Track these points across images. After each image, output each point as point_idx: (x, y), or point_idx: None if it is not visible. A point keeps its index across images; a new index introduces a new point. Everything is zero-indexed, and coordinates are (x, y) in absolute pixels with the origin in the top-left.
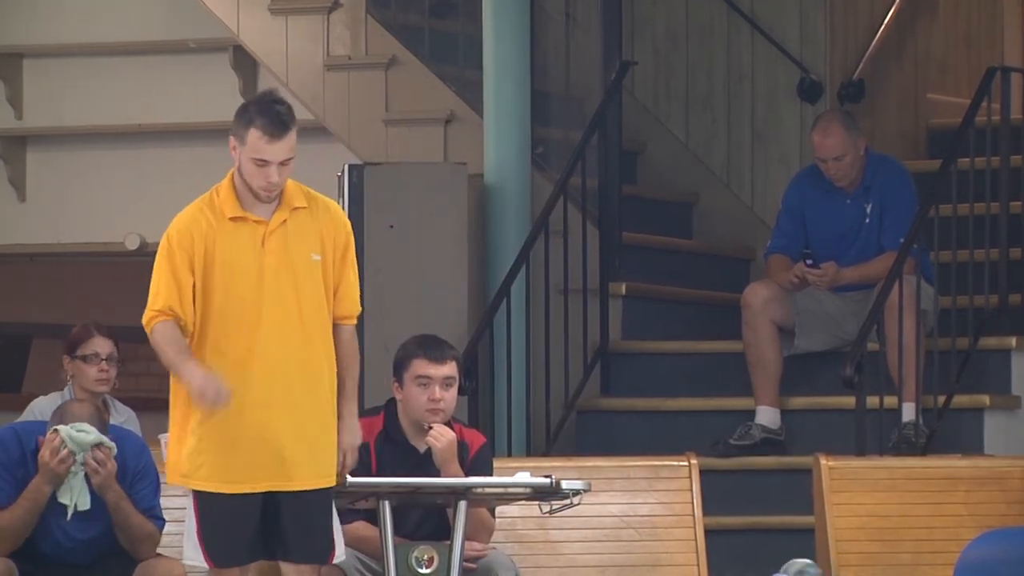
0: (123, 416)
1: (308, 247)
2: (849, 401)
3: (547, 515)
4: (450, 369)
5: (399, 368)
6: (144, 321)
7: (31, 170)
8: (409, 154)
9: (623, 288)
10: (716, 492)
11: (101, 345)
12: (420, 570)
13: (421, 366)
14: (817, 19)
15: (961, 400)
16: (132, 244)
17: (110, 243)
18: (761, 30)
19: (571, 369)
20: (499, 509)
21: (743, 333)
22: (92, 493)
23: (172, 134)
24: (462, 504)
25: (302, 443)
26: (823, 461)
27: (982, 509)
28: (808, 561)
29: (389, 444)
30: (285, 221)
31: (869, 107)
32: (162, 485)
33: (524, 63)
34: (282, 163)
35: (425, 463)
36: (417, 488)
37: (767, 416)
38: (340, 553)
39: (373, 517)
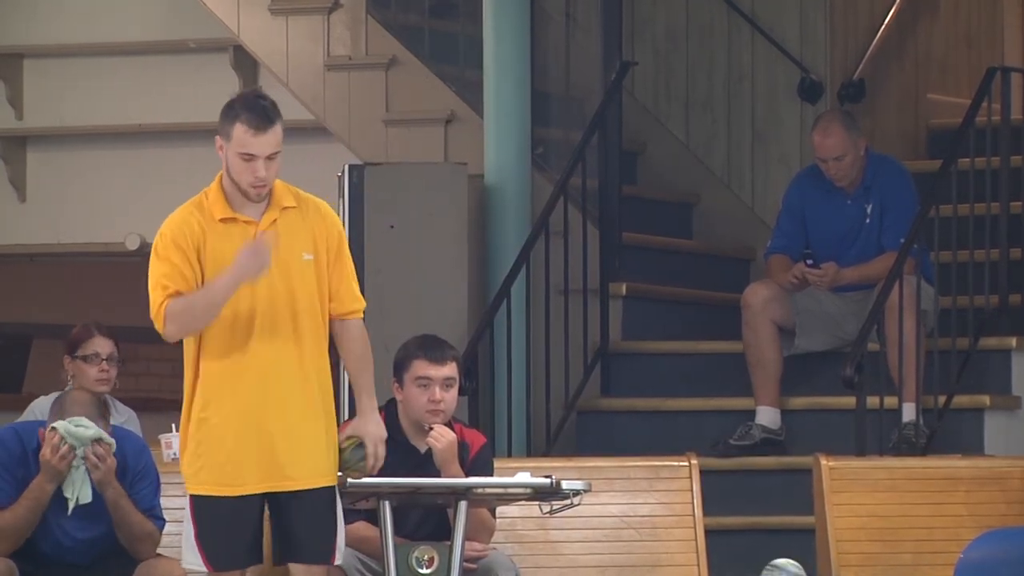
0: (123, 416)
1: (299, 247)
2: (849, 401)
3: (547, 515)
4: (450, 370)
5: (399, 369)
6: (153, 315)
7: (31, 170)
8: (409, 154)
9: (623, 288)
10: (716, 492)
11: (102, 345)
12: (420, 570)
13: (421, 367)
14: (817, 19)
15: (961, 400)
16: (132, 244)
17: (110, 243)
18: (761, 30)
19: (571, 369)
20: (499, 509)
21: (743, 333)
22: (93, 488)
23: (172, 134)
24: (462, 504)
25: (297, 443)
26: (823, 461)
27: (982, 509)
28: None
29: (390, 444)
30: (275, 221)
31: (869, 107)
32: (162, 485)
33: (524, 63)
34: (269, 157)
35: (426, 463)
36: (417, 488)
37: (767, 416)
38: (338, 557)
39: (374, 517)
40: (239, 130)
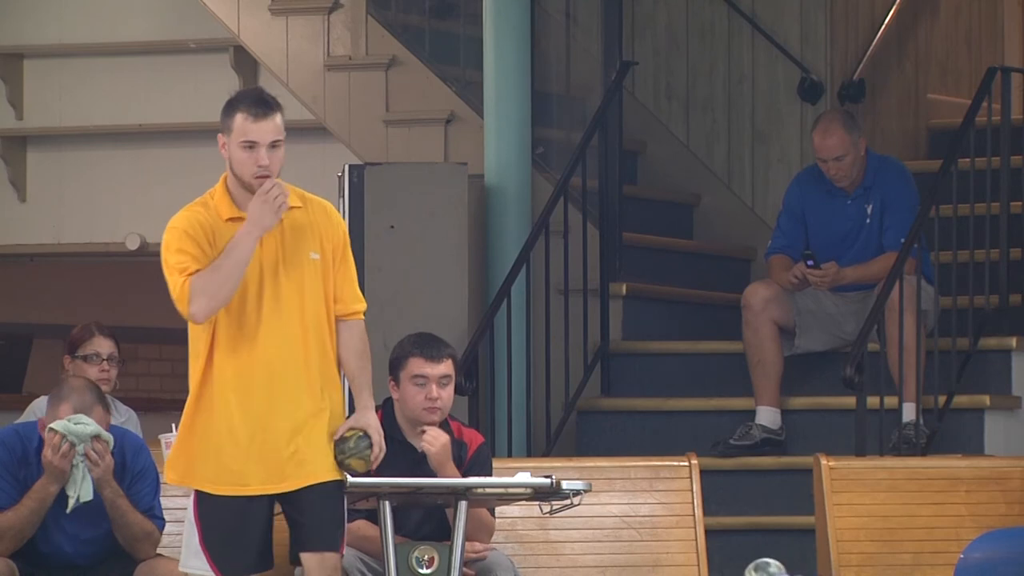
0: (123, 416)
1: (306, 246)
2: (849, 401)
3: (548, 515)
4: (447, 368)
5: (395, 367)
6: (176, 297)
7: (31, 170)
8: (409, 154)
9: (623, 288)
10: (716, 492)
11: (102, 345)
12: (421, 570)
13: (417, 365)
14: (818, 19)
15: (961, 400)
16: (132, 244)
17: (110, 243)
18: (762, 30)
19: (571, 369)
20: (499, 509)
21: (743, 333)
22: (93, 488)
23: (172, 134)
24: (462, 504)
25: (304, 441)
26: (823, 461)
27: (982, 509)
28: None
29: (387, 443)
30: (281, 220)
31: (870, 107)
32: (162, 485)
33: (525, 63)
34: (272, 146)
35: (423, 461)
36: (418, 488)
37: (767, 416)
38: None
39: (374, 516)
40: (239, 119)
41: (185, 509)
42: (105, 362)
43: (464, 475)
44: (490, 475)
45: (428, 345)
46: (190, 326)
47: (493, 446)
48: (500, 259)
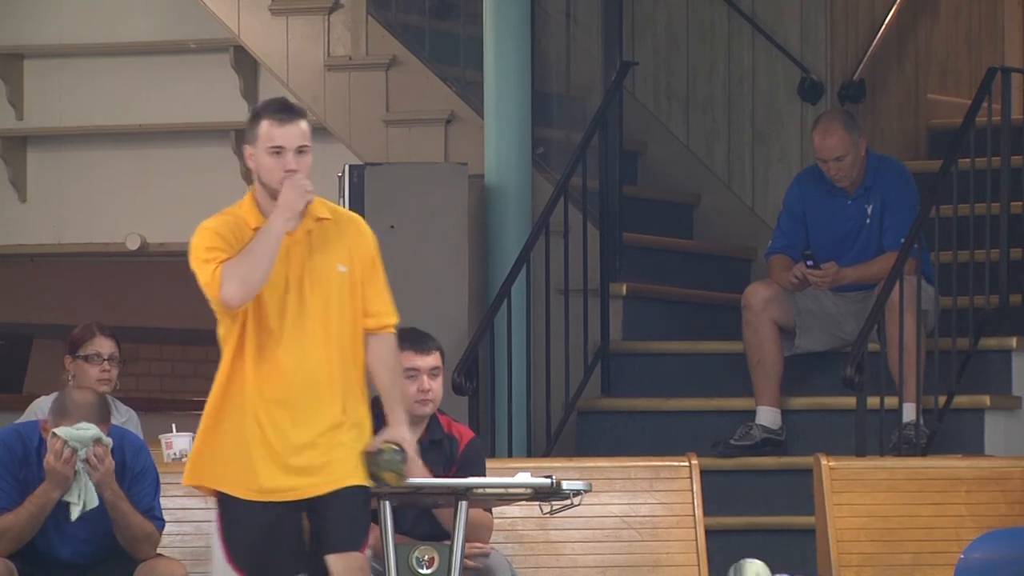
0: (124, 416)
1: (334, 258)
2: (850, 401)
3: (548, 515)
4: (435, 359)
5: None
6: (207, 283)
7: (31, 170)
8: (409, 154)
9: (624, 288)
10: (716, 492)
11: (103, 345)
12: (421, 570)
13: (408, 358)
14: (818, 19)
15: (962, 400)
16: (133, 244)
17: (110, 243)
18: (762, 30)
19: (572, 369)
20: (499, 509)
21: (743, 333)
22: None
23: (172, 134)
24: (462, 504)
25: (327, 450)
26: (824, 461)
27: (983, 510)
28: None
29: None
30: (310, 231)
31: (870, 107)
32: (162, 485)
33: (525, 63)
34: (298, 151)
35: (418, 456)
36: (418, 488)
37: (767, 416)
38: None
39: (374, 516)
40: (264, 126)
41: (185, 509)
42: (106, 362)
43: (456, 471)
44: (483, 472)
45: (416, 339)
46: (220, 331)
47: (493, 446)
48: (500, 259)
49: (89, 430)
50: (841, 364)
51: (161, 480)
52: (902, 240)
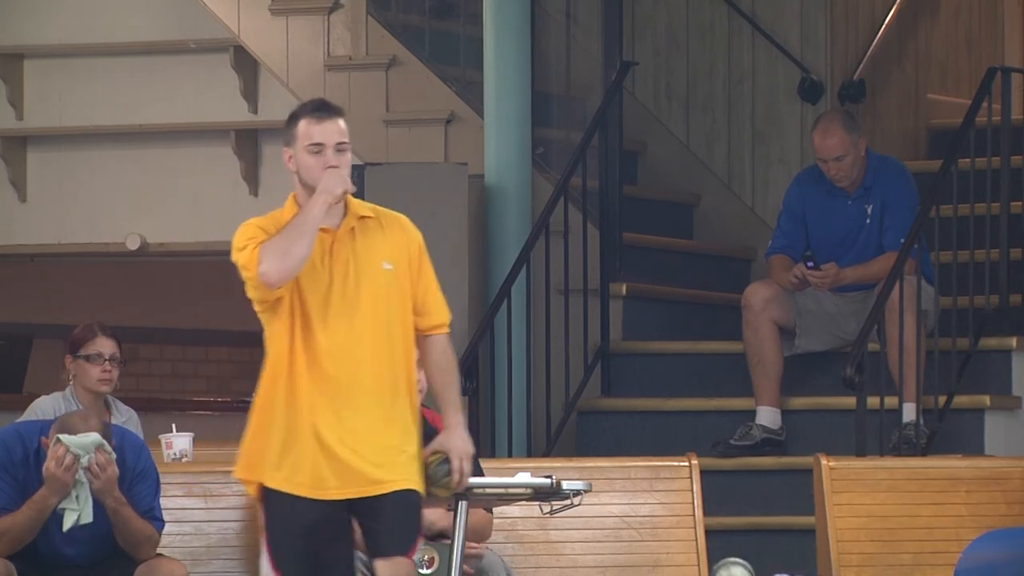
0: (124, 416)
1: (378, 256)
2: (850, 401)
3: (547, 515)
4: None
5: None
6: (245, 264)
7: (31, 170)
8: (409, 154)
9: (624, 288)
10: (716, 492)
11: (104, 345)
12: (421, 570)
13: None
14: (818, 19)
15: (962, 400)
16: (133, 244)
17: (110, 243)
18: (762, 30)
19: (572, 369)
20: (499, 509)
21: (743, 333)
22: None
23: (172, 134)
24: (463, 504)
25: (373, 452)
26: (824, 461)
27: (983, 510)
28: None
29: None
30: (353, 229)
31: (870, 107)
32: (162, 485)
33: (525, 63)
34: (338, 148)
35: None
36: None
37: (767, 416)
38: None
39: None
40: (303, 125)
41: (185, 509)
42: (107, 362)
43: None
44: (477, 469)
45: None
46: (266, 330)
47: (493, 446)
48: (500, 259)
49: (90, 435)
50: (841, 364)
51: (161, 480)
52: (902, 240)
